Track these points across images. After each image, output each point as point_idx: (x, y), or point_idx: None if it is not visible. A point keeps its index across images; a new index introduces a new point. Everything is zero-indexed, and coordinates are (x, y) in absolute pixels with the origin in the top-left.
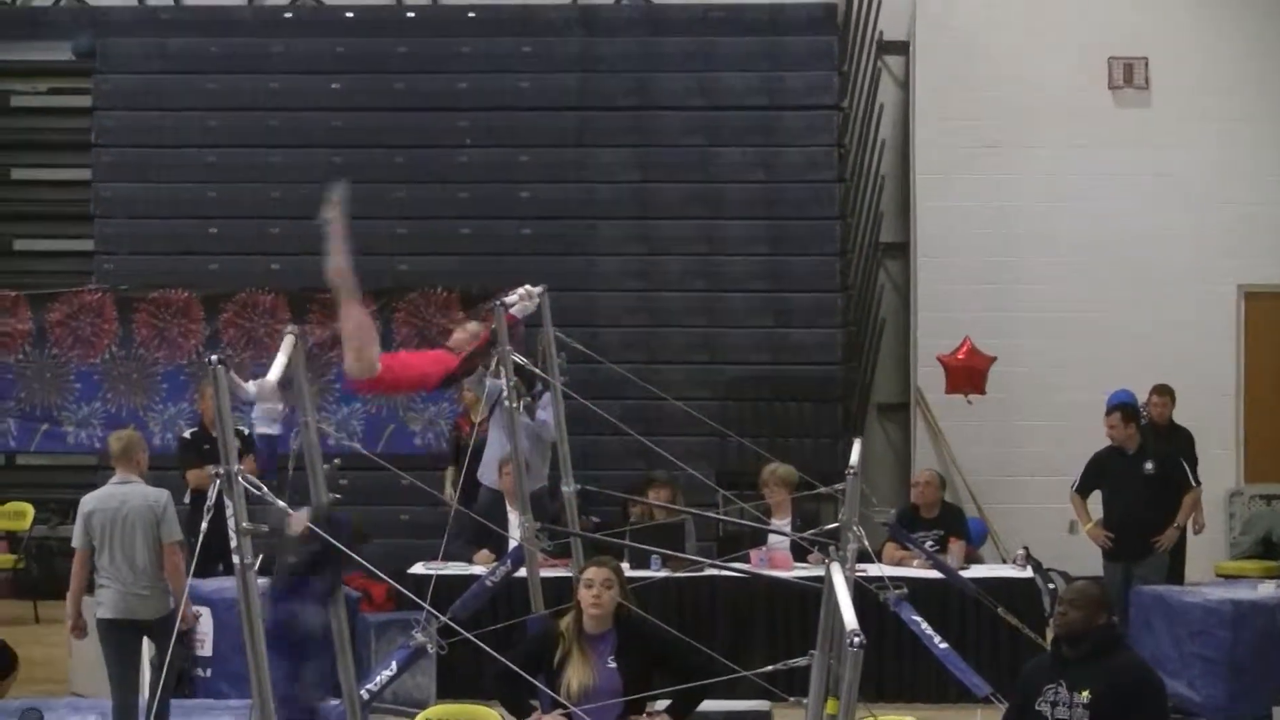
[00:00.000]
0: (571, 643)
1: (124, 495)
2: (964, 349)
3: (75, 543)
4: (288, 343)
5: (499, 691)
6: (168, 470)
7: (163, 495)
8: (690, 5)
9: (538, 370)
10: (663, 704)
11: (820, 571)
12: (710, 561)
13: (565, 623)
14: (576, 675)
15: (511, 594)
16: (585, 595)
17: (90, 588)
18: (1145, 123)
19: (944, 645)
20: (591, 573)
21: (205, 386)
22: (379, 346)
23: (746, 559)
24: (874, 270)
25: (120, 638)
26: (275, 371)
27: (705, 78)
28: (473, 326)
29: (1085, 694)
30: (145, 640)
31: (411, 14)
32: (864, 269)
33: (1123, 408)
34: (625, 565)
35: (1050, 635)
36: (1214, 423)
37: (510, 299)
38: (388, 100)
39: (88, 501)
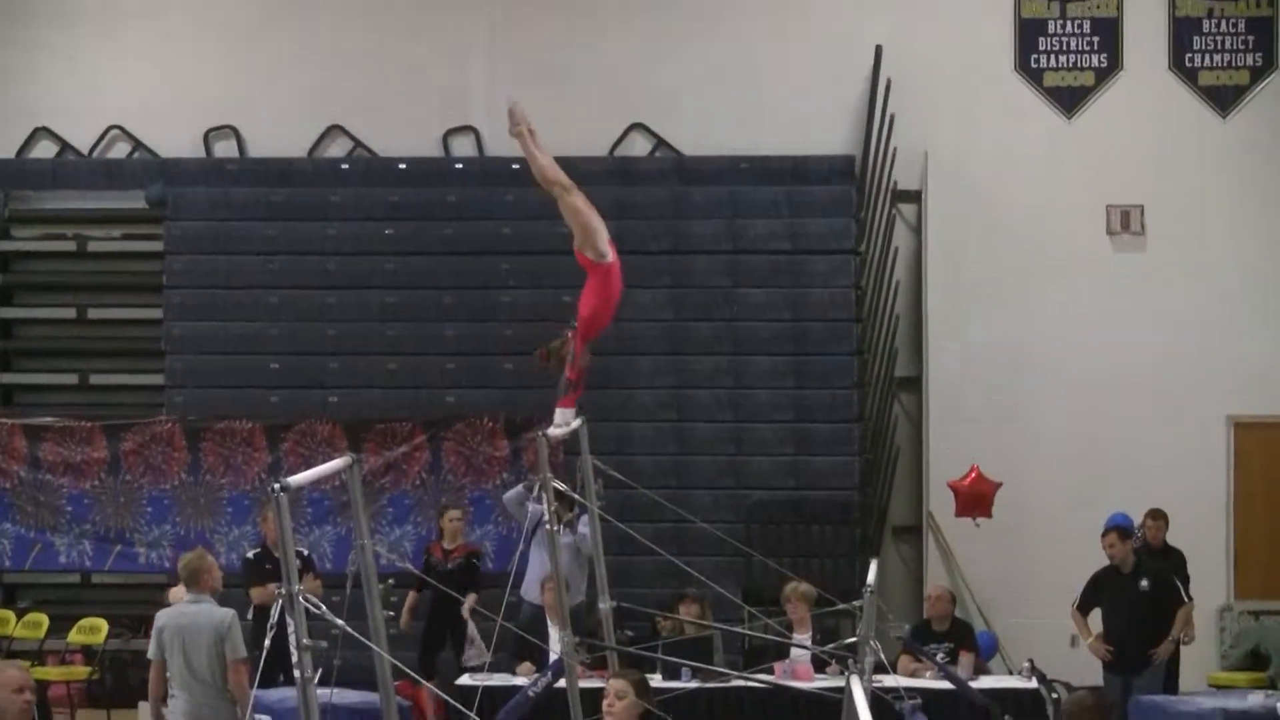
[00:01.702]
0: None
1: (193, 614)
2: (972, 475)
3: (150, 654)
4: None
5: None
6: (233, 588)
7: (228, 615)
8: (719, 157)
9: (576, 495)
10: None
11: (840, 682)
12: (737, 673)
13: None
14: None
15: (552, 703)
16: (604, 705)
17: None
18: (1141, 265)
19: None
20: (612, 683)
21: (268, 510)
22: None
23: (771, 671)
24: (889, 403)
25: None
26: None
27: (733, 224)
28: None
29: None
30: None
31: (459, 165)
32: (879, 401)
33: (1118, 529)
34: (657, 676)
35: None
36: (1206, 543)
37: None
38: (437, 245)
39: (160, 617)
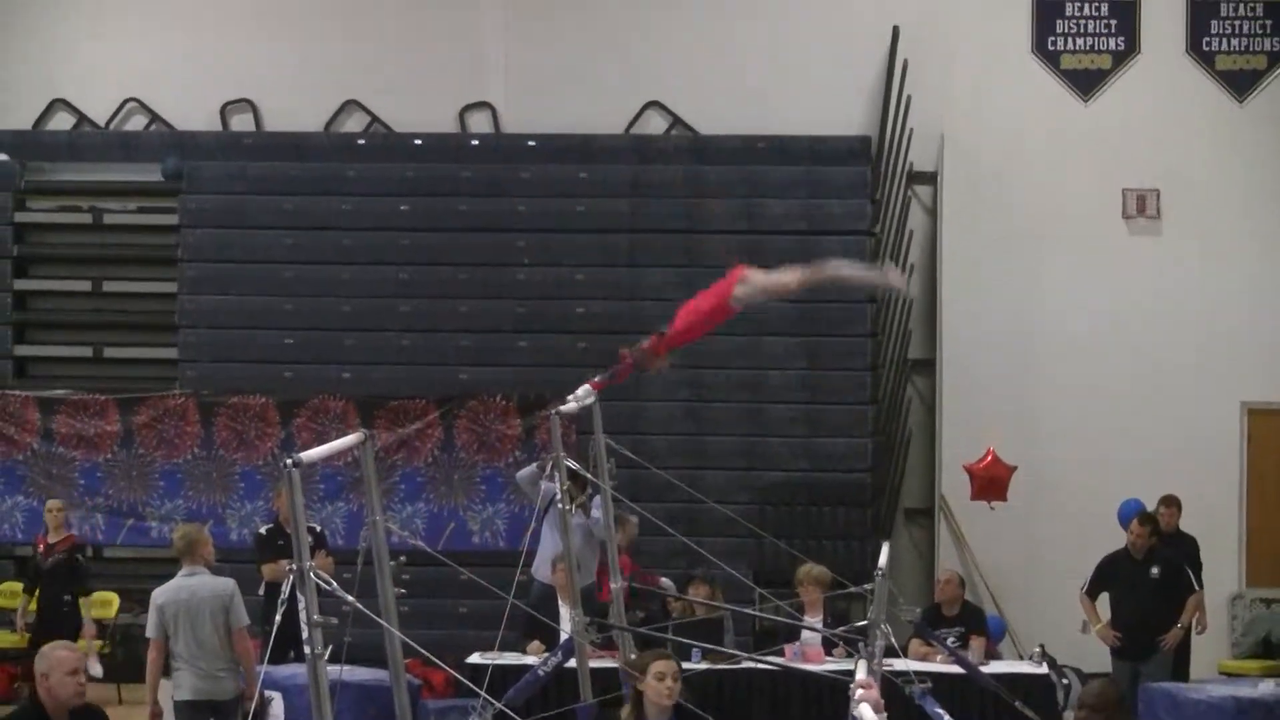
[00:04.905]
0: None
1: (193, 587)
2: (988, 458)
3: (149, 633)
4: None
5: None
6: (244, 564)
7: (229, 584)
8: (735, 136)
9: (589, 475)
10: None
11: (849, 665)
12: (747, 655)
13: (626, 712)
14: None
15: (562, 683)
16: (658, 687)
17: (167, 671)
18: (1156, 249)
19: None
20: (663, 665)
21: (281, 486)
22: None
23: (781, 653)
24: (903, 384)
25: (196, 717)
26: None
27: (748, 203)
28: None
29: None
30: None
31: (475, 142)
32: (893, 384)
33: (1145, 515)
34: None
35: None
36: (1218, 530)
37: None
38: (452, 221)
39: (159, 594)
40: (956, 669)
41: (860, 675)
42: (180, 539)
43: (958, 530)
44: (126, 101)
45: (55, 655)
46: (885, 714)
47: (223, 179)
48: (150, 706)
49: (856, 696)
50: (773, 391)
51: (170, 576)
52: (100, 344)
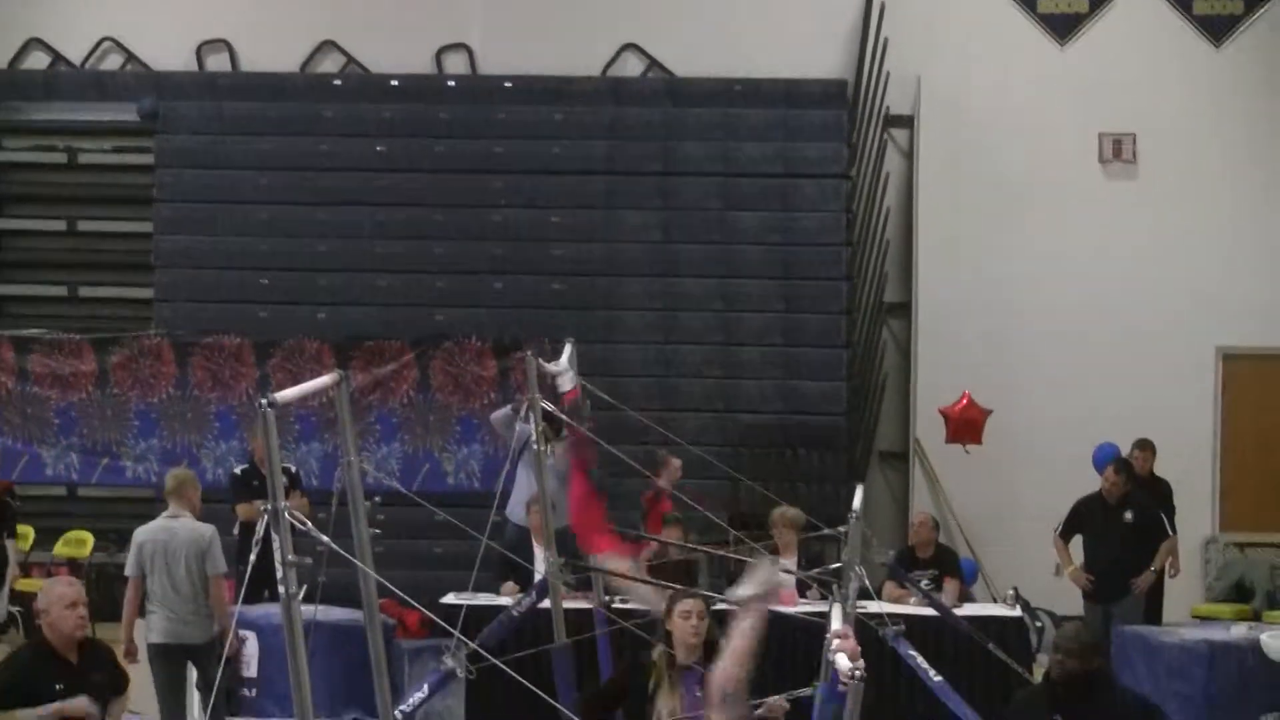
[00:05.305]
0: (663, 673)
1: (174, 529)
2: (963, 402)
3: (128, 571)
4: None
5: (586, 715)
6: (219, 504)
7: (209, 530)
8: (712, 79)
9: (564, 416)
10: None
11: (823, 607)
12: (721, 597)
13: (657, 653)
14: (666, 704)
15: (536, 624)
16: (684, 626)
17: (142, 613)
18: (1132, 194)
19: (938, 678)
20: (689, 604)
21: (256, 426)
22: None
23: None
24: (878, 328)
25: (168, 661)
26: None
27: (725, 146)
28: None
29: None
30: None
31: (452, 83)
32: (868, 327)
33: (1120, 462)
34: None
35: (1040, 672)
36: (1192, 475)
37: (563, 383)
38: (428, 163)
39: (140, 534)
40: (930, 611)
41: (835, 624)
42: (171, 479)
43: (932, 473)
44: (102, 41)
45: (54, 591)
46: (861, 662)
47: (199, 119)
48: (125, 645)
49: (833, 647)
50: (747, 334)
51: (146, 517)
52: (75, 283)
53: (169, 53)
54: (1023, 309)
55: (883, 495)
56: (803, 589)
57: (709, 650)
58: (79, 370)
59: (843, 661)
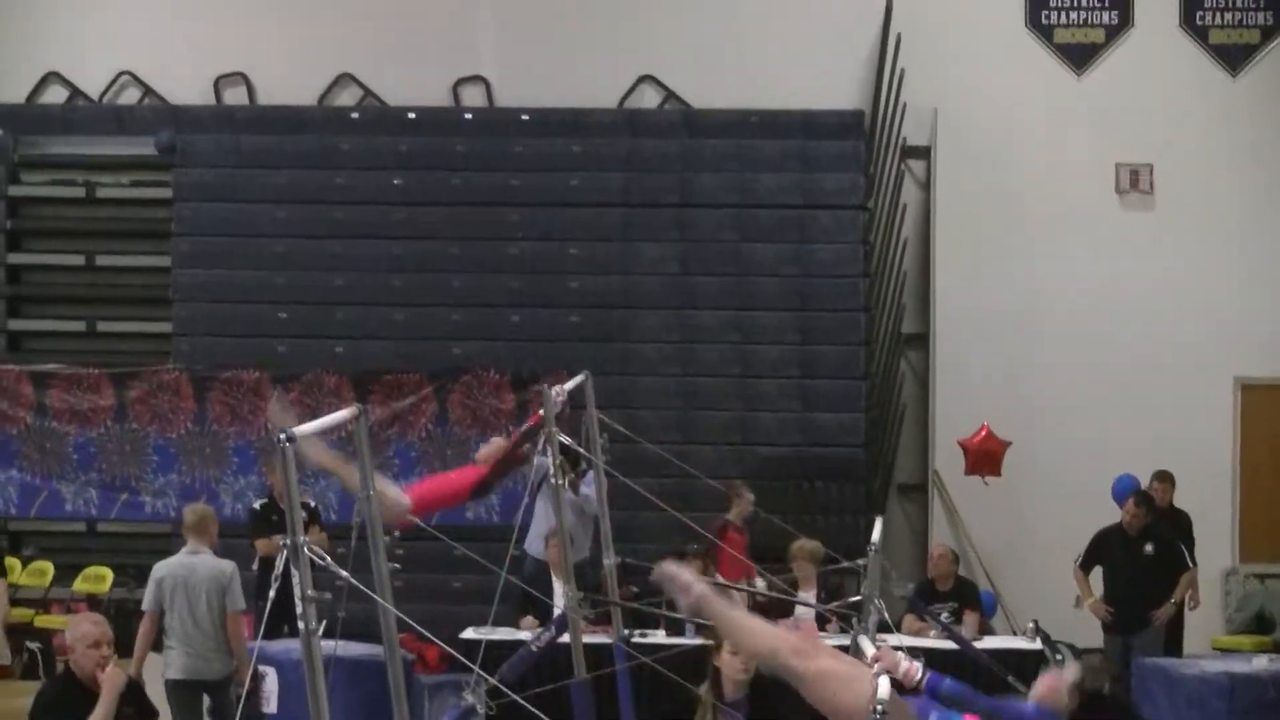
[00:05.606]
0: (709, 710)
1: (194, 565)
2: (982, 433)
3: (145, 606)
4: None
5: None
6: (238, 539)
7: (230, 566)
8: (728, 110)
9: (581, 450)
10: None
11: (843, 640)
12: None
13: (704, 689)
14: None
15: (556, 658)
16: (733, 663)
17: (158, 647)
18: (1149, 225)
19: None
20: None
21: (274, 461)
22: (394, 487)
23: None
24: (896, 359)
25: (185, 697)
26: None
27: (741, 178)
28: (497, 441)
29: None
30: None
31: (469, 115)
32: (887, 358)
33: (1141, 494)
34: (661, 633)
35: None
36: (1211, 506)
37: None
38: (446, 195)
39: (159, 569)
40: (950, 644)
41: (868, 650)
42: (191, 514)
43: (951, 505)
44: (120, 75)
45: (79, 629)
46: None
47: (216, 153)
48: (134, 674)
49: (875, 670)
50: (765, 366)
51: (165, 552)
52: (94, 318)
53: (186, 86)
54: (1041, 340)
55: (901, 528)
56: (823, 622)
57: (755, 686)
58: (97, 405)
59: (883, 687)
